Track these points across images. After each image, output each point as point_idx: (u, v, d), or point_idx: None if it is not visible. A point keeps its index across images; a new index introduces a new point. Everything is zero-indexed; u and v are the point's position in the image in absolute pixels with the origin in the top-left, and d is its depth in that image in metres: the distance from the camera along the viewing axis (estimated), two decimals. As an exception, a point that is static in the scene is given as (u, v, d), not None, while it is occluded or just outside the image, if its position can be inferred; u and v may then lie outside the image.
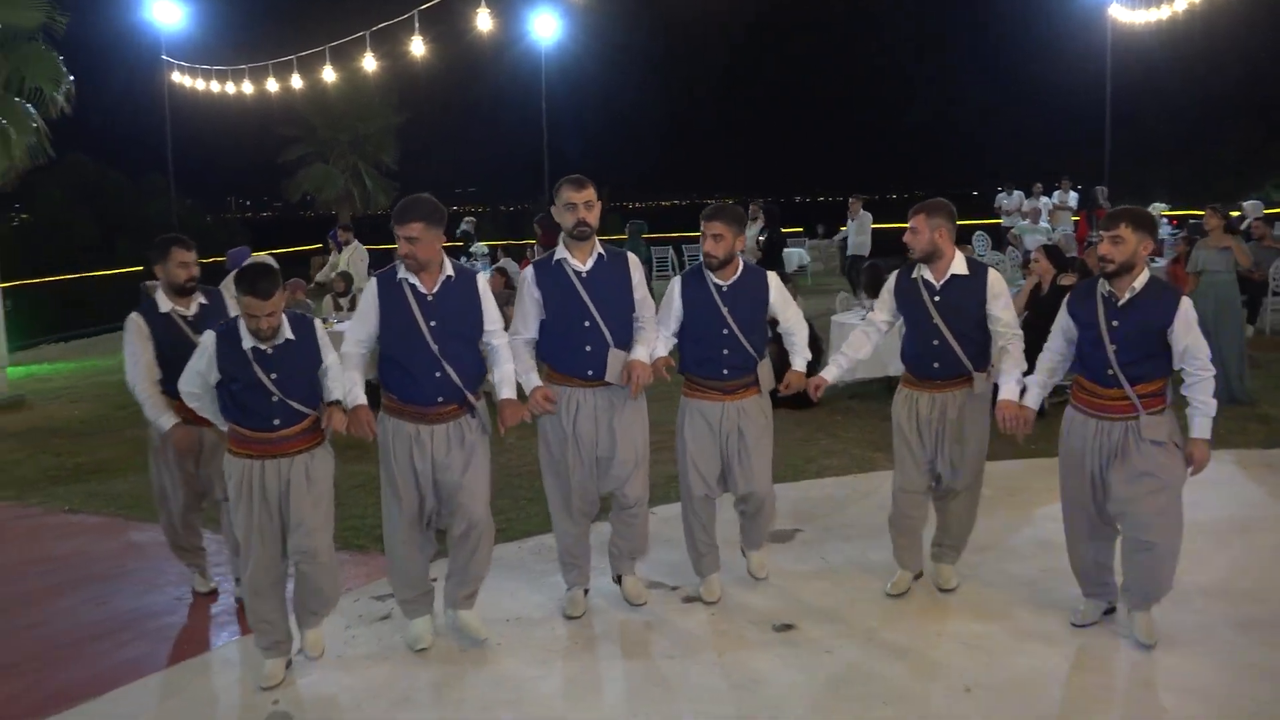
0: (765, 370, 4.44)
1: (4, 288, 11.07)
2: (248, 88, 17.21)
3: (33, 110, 14.27)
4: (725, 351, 4.33)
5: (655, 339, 4.34)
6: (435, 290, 3.99)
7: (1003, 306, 4.28)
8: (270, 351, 3.78)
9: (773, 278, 4.46)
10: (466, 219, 20.51)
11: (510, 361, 4.19)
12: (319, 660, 4.10)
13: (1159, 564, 3.89)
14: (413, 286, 3.97)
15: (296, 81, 16.54)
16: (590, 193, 4.16)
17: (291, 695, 3.86)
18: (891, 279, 4.51)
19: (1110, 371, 3.87)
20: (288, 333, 3.82)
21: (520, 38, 21.98)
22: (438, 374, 3.96)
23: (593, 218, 4.16)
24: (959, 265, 4.30)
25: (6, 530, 6.17)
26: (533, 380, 4.21)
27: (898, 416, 4.47)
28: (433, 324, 3.95)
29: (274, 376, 3.77)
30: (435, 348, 3.95)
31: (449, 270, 4.04)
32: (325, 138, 26.21)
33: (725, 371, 4.36)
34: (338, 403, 3.95)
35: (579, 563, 4.50)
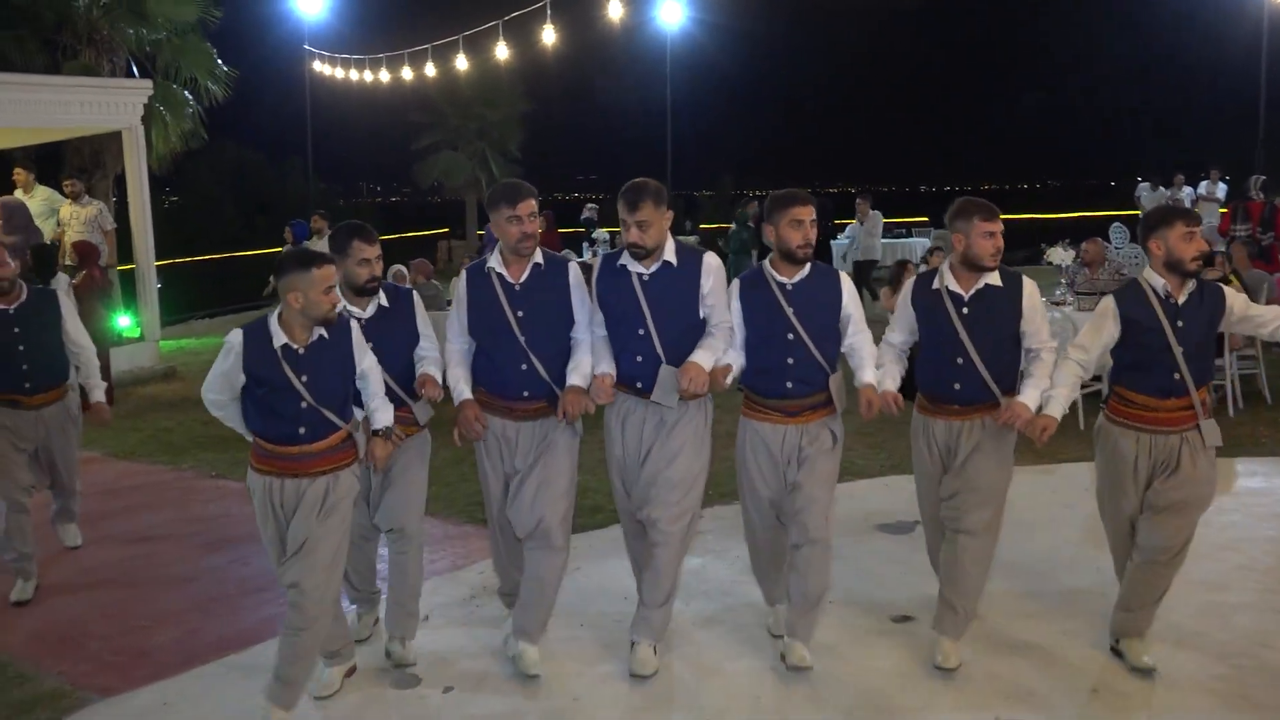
0: (838, 385, 3.84)
1: (157, 266, 11.70)
2: (384, 76, 17.80)
3: (189, 98, 15.07)
4: (790, 361, 3.77)
5: (723, 347, 3.83)
6: (523, 279, 3.82)
7: (1041, 320, 3.84)
8: (302, 351, 3.44)
9: (845, 279, 3.94)
10: (589, 206, 20.70)
11: (589, 355, 3.87)
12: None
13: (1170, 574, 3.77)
14: (500, 276, 3.82)
15: (430, 70, 17.02)
16: (645, 212, 3.73)
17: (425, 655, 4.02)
18: (907, 289, 4.00)
19: (1177, 377, 3.62)
20: (321, 330, 3.49)
21: (645, 24, 22.07)
22: (524, 366, 3.79)
23: (653, 237, 3.74)
24: (992, 275, 3.79)
25: (164, 492, 6.60)
26: (602, 368, 3.84)
27: (916, 446, 4.00)
28: (520, 314, 3.79)
29: (304, 379, 3.43)
30: (522, 339, 3.78)
31: (538, 258, 3.85)
32: (455, 125, 26.85)
33: (790, 385, 3.78)
34: (379, 433, 3.65)
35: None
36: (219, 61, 15.48)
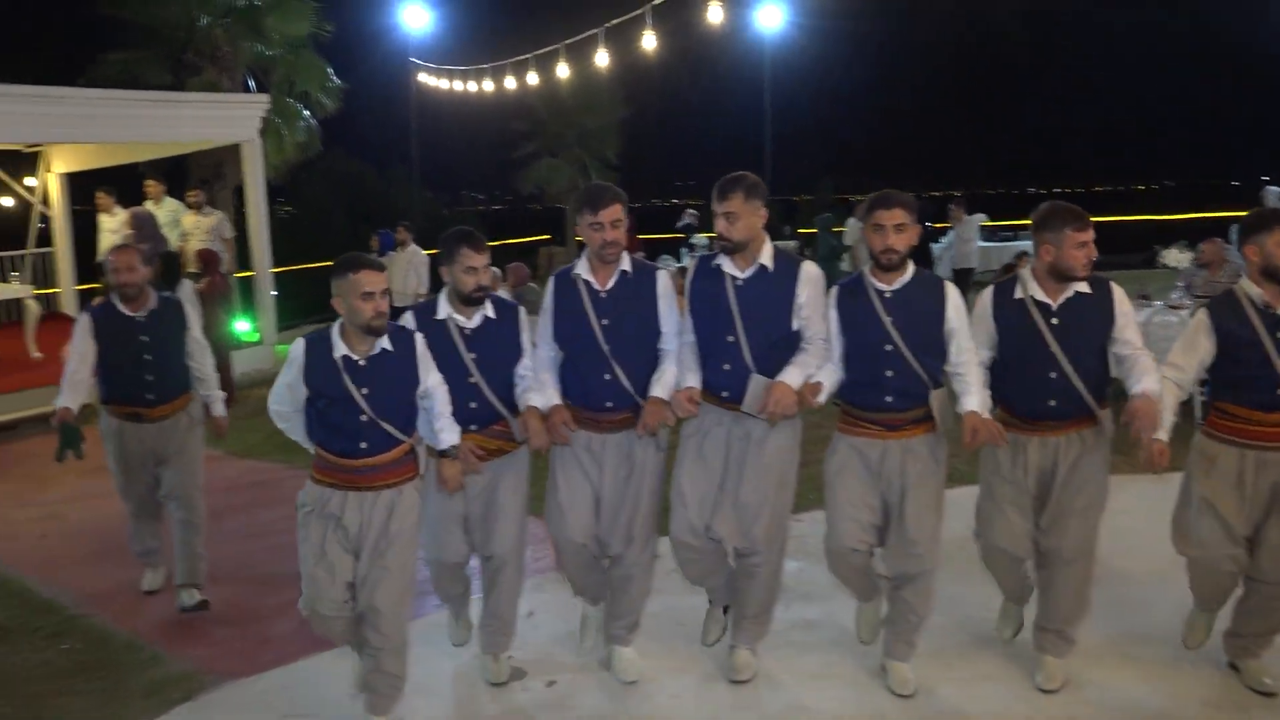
0: (940, 401, 3.61)
1: (273, 273, 12.17)
2: (486, 86, 18.18)
3: (303, 111, 15.65)
4: (889, 373, 3.54)
5: (816, 364, 3.63)
6: (610, 286, 3.70)
7: (1134, 326, 3.61)
8: (363, 363, 3.37)
9: (952, 289, 3.63)
10: (689, 211, 20.77)
11: (674, 365, 3.72)
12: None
13: None
14: (587, 283, 3.71)
15: (531, 79, 17.33)
16: (735, 203, 3.58)
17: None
18: (987, 299, 3.69)
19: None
20: (385, 343, 3.42)
21: (744, 28, 22.05)
22: (607, 376, 3.67)
23: (740, 230, 3.58)
24: (1081, 282, 3.55)
25: (280, 489, 6.87)
26: (688, 381, 3.67)
27: (998, 465, 3.70)
28: (605, 322, 3.67)
29: (365, 391, 3.35)
30: (606, 347, 3.67)
31: (626, 266, 3.73)
32: (554, 133, 27.21)
33: (889, 399, 3.57)
34: (446, 453, 3.53)
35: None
36: (330, 74, 16.08)
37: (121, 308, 4.59)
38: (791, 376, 3.55)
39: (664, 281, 3.78)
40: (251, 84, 15.62)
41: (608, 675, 3.98)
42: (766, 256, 3.65)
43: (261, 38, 15.32)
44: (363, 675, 3.58)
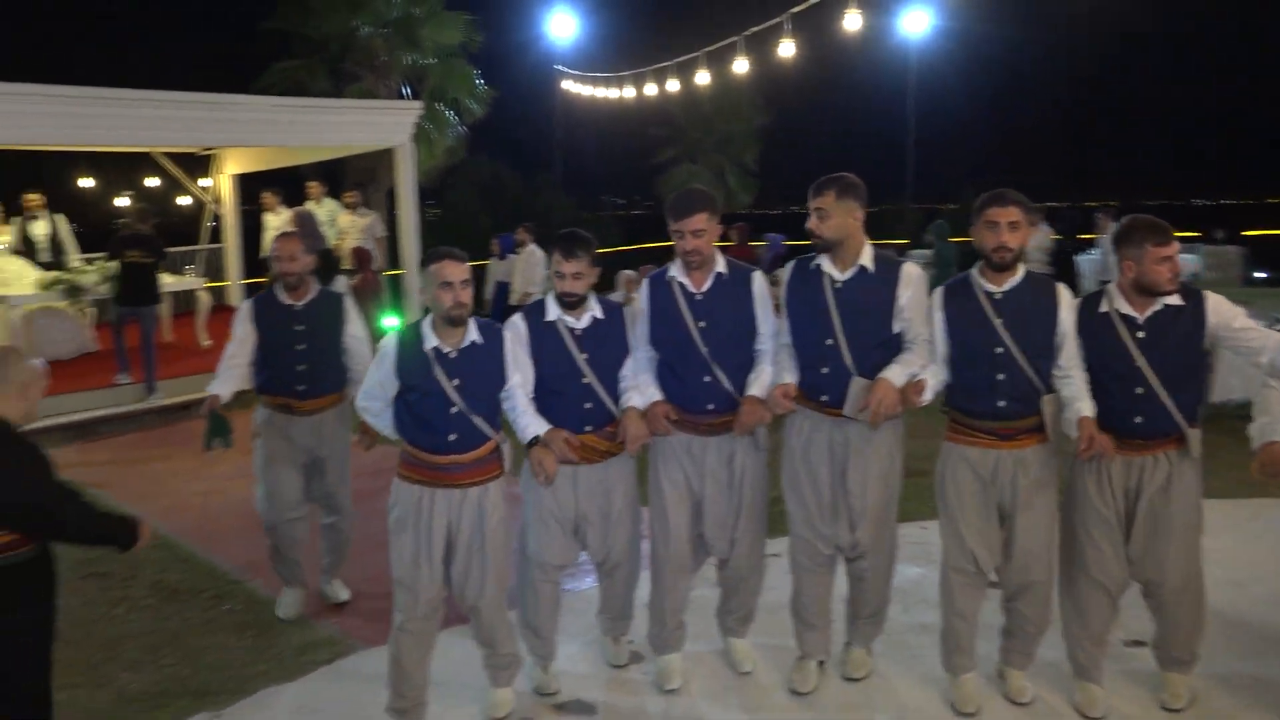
0: (1053, 406, 3.50)
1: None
2: (628, 92, 18.52)
3: (452, 117, 16.31)
4: (1000, 377, 3.49)
5: (919, 364, 3.60)
6: (705, 289, 3.70)
7: (1242, 329, 3.41)
8: (454, 355, 3.46)
9: (1065, 291, 3.57)
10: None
11: (770, 365, 3.73)
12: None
13: None
14: (682, 285, 3.72)
15: (672, 86, 17.56)
16: (826, 199, 3.58)
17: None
18: (1072, 316, 3.58)
19: None
20: (475, 335, 3.51)
21: (887, 35, 21.80)
22: (706, 378, 3.68)
23: (831, 227, 3.57)
24: (1171, 296, 3.43)
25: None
26: (783, 378, 3.67)
27: (1083, 492, 3.57)
28: (702, 324, 3.67)
29: (456, 383, 3.44)
30: (704, 350, 3.67)
31: (721, 268, 3.73)
32: (693, 138, 27.49)
33: (1002, 404, 3.51)
34: (536, 441, 3.56)
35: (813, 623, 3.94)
36: (479, 82, 16.72)
37: (282, 296, 4.54)
38: (894, 374, 3.52)
39: (759, 283, 3.78)
40: (406, 91, 16.40)
41: (721, 666, 4.11)
42: (867, 258, 3.62)
43: (416, 47, 16.10)
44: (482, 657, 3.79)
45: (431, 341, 3.47)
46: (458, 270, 3.43)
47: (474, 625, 3.70)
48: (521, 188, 32.52)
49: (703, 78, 16.85)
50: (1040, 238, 12.53)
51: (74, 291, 10.07)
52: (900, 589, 4.59)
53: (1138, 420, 3.43)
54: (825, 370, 3.62)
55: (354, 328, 4.64)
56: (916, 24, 21.61)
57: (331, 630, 4.55)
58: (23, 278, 10.31)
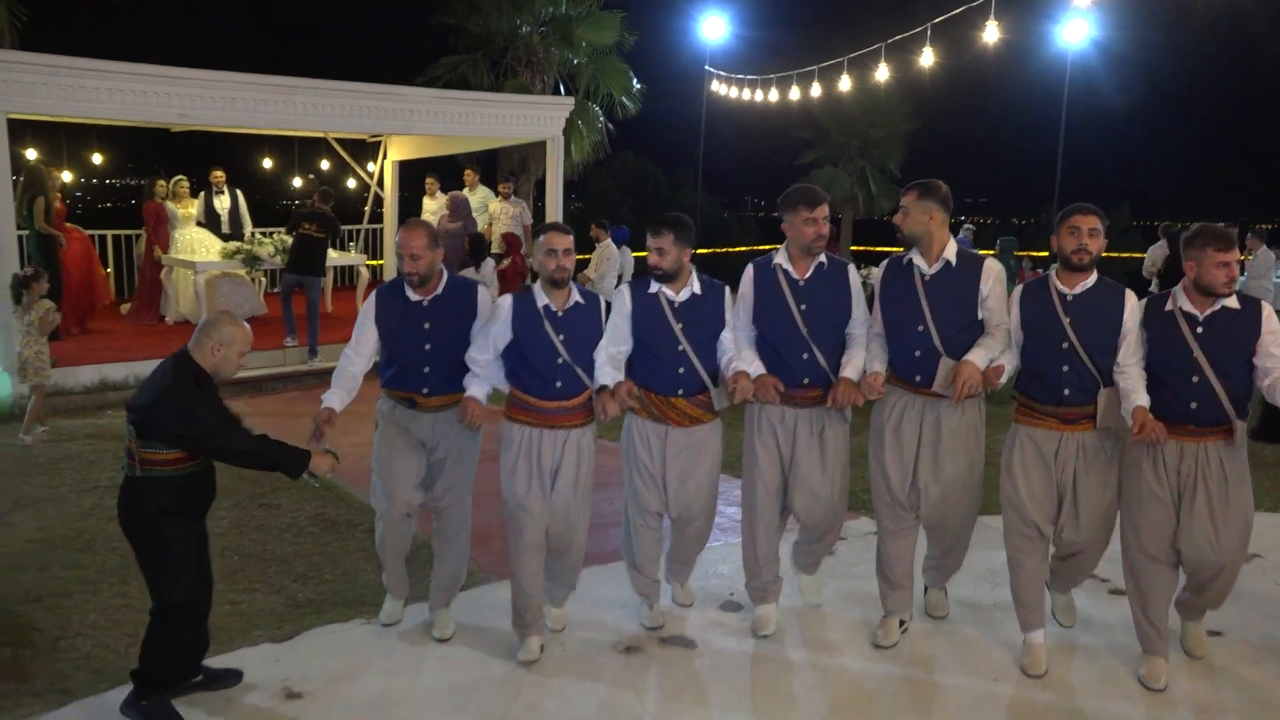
0: (1109, 399, 3.90)
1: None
2: (774, 95, 18.80)
3: (600, 114, 16.93)
4: (1065, 369, 3.89)
5: (999, 348, 4.01)
6: (808, 276, 4.16)
7: (1278, 346, 3.74)
8: (560, 314, 3.98)
9: (1131, 296, 3.94)
10: (966, 227, 20.54)
11: (863, 350, 4.17)
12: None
13: None
14: (786, 272, 4.16)
15: (818, 89, 17.76)
16: (910, 199, 4.11)
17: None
18: (1139, 312, 3.96)
19: None
20: (577, 297, 4.04)
21: (1042, 42, 21.35)
22: (805, 355, 4.13)
23: (912, 224, 4.08)
24: (1229, 299, 3.79)
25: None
26: (874, 366, 4.13)
27: (1141, 474, 3.91)
28: (803, 308, 4.12)
29: (562, 337, 3.96)
30: (804, 330, 4.12)
31: (822, 259, 4.18)
32: (837, 142, 27.49)
33: (1067, 392, 3.90)
34: (605, 389, 3.97)
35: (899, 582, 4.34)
36: (631, 80, 17.29)
37: (409, 292, 4.20)
38: (978, 356, 3.94)
39: (854, 274, 4.28)
40: (560, 87, 17.13)
41: (814, 621, 4.50)
42: (950, 253, 4.06)
43: (572, 46, 16.77)
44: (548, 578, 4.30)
45: (543, 300, 4.00)
46: (562, 240, 3.98)
47: (559, 545, 4.18)
48: (665, 184, 33.24)
49: (848, 83, 17.00)
50: (1265, 259, 12.25)
51: (251, 261, 11.09)
52: (992, 570, 4.88)
53: (1193, 406, 3.78)
54: (918, 354, 4.07)
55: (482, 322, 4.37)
56: (1075, 33, 21.11)
57: (470, 565, 5.10)
58: (208, 246, 11.42)
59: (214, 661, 3.94)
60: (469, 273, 10.26)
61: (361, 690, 3.88)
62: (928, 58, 13.97)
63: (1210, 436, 3.81)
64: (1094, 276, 3.94)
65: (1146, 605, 3.98)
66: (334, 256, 11.64)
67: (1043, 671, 4.04)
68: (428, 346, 4.16)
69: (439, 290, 4.20)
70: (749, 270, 4.30)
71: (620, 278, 11.00)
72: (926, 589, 4.60)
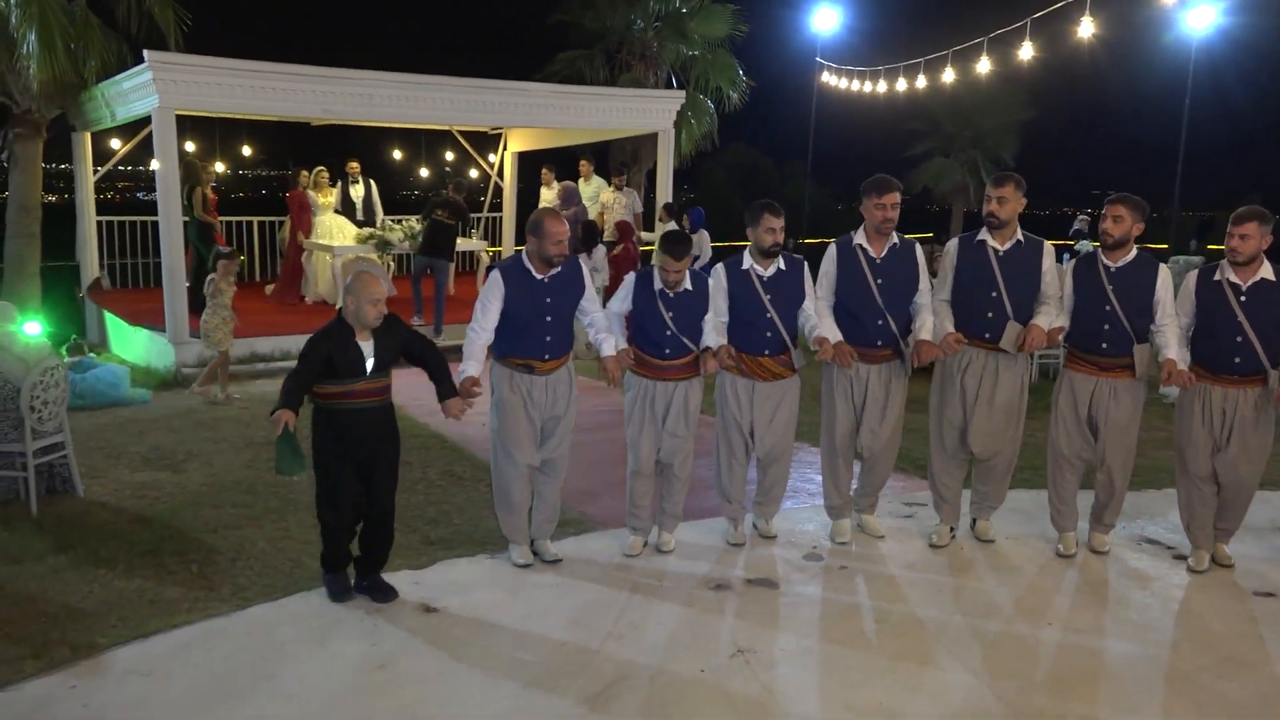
0: (1143, 354, 4.80)
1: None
2: (882, 86, 18.94)
3: (710, 105, 17.38)
4: (1106, 327, 4.82)
5: (1056, 313, 4.91)
6: (883, 254, 5.01)
7: None
8: (671, 295, 4.84)
9: (1164, 270, 4.82)
10: (1080, 218, 20.30)
11: (931, 315, 5.01)
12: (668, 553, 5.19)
13: None
14: (864, 250, 5.01)
15: (931, 79, 17.84)
16: (1007, 189, 4.93)
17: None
18: (1192, 281, 4.88)
19: None
20: (687, 284, 4.87)
21: (1166, 29, 20.87)
22: (880, 322, 4.97)
23: (1006, 211, 4.91)
24: (1266, 270, 4.67)
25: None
26: (946, 327, 4.97)
27: (1191, 413, 4.85)
28: (879, 281, 4.96)
29: (671, 315, 4.83)
30: (880, 300, 4.95)
31: (894, 240, 5.04)
32: (949, 132, 27.31)
33: (1105, 345, 4.83)
34: (707, 349, 4.87)
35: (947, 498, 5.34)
36: (740, 72, 17.70)
37: (532, 271, 4.72)
38: (1042, 320, 4.90)
39: (920, 252, 5.12)
40: (672, 79, 17.65)
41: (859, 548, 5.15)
42: (1020, 235, 5.01)
43: (684, 39, 17.28)
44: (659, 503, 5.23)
45: (659, 284, 4.87)
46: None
47: (667, 478, 5.13)
48: (774, 175, 33.49)
49: (961, 72, 17.05)
50: None
51: (384, 245, 11.98)
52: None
53: (1236, 360, 4.73)
54: (990, 315, 4.97)
55: (590, 292, 4.97)
56: (1201, 19, 20.57)
57: (575, 515, 5.73)
58: (344, 232, 12.35)
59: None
60: (580, 259, 10.90)
61: (486, 607, 4.52)
62: (1033, 49, 13.97)
63: (1249, 384, 4.74)
64: (1134, 252, 4.87)
65: (1194, 514, 5.00)
66: (459, 242, 12.44)
67: (1073, 552, 5.17)
68: (549, 318, 4.73)
69: (558, 269, 4.77)
70: (831, 248, 5.13)
71: (696, 259, 11.52)
72: (975, 521, 5.45)
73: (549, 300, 4.72)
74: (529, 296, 4.72)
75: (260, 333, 10.38)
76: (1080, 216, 20.43)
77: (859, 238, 5.06)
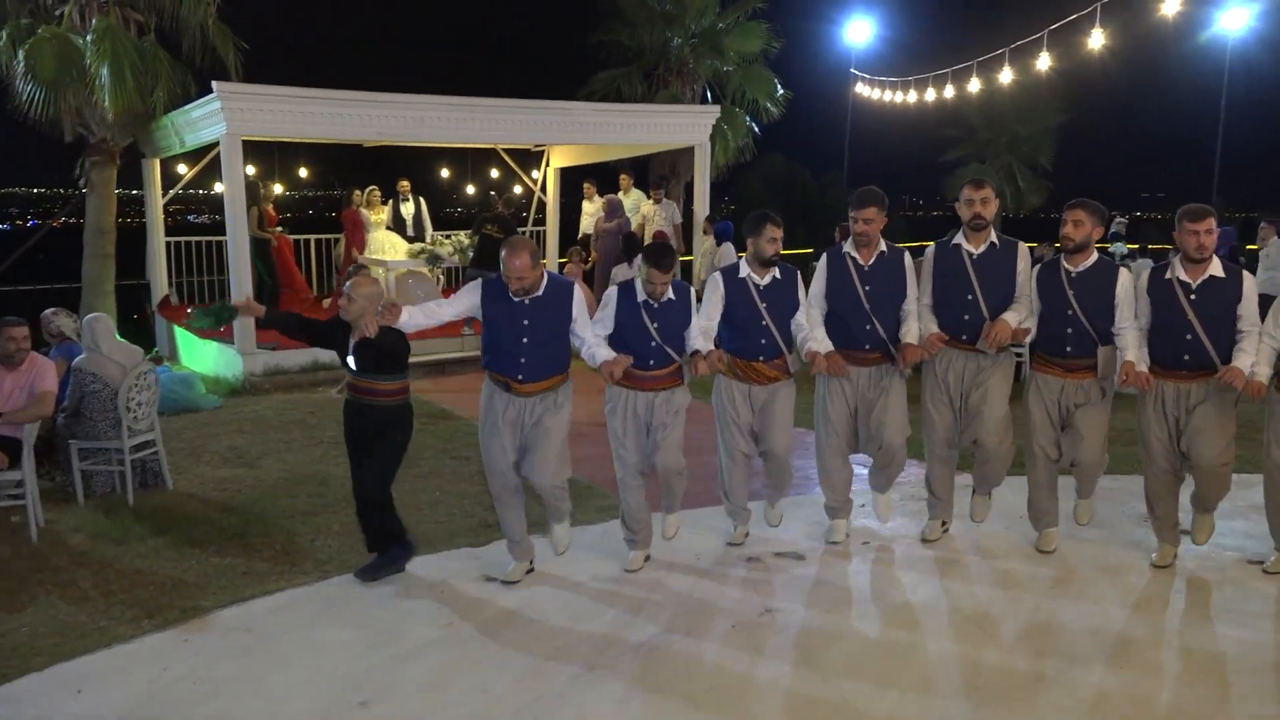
0: (1107, 356, 4.92)
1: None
2: (912, 96, 19.28)
3: (747, 118, 17.83)
4: (1069, 331, 4.93)
5: (1025, 313, 5.02)
6: (871, 262, 5.14)
7: (1253, 309, 4.70)
8: (656, 306, 4.84)
9: (1125, 276, 4.92)
10: (1118, 220, 20.47)
11: (917, 321, 5.15)
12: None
13: None
14: (854, 259, 5.15)
15: (965, 88, 18.16)
16: (988, 191, 5.12)
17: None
18: (1144, 280, 4.92)
19: None
20: (671, 294, 4.86)
21: (1200, 31, 20.99)
22: (868, 326, 5.11)
23: (988, 211, 5.08)
24: (1216, 267, 4.71)
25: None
26: (929, 329, 5.09)
27: (1146, 407, 4.92)
28: (867, 288, 5.11)
29: (655, 325, 4.84)
30: (868, 306, 5.10)
31: (883, 248, 5.16)
32: (984, 139, 27.48)
33: (1069, 349, 4.95)
34: (697, 352, 4.85)
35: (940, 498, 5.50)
36: (777, 86, 18.15)
37: (510, 293, 4.76)
38: (1010, 318, 5.03)
39: (909, 260, 5.25)
40: (708, 95, 18.14)
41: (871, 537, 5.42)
42: (995, 238, 5.16)
43: (720, 55, 17.78)
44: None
45: (642, 295, 4.87)
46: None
47: (663, 477, 5.14)
48: (812, 186, 33.73)
49: (991, 80, 17.35)
50: (1278, 250, 11.96)
51: (434, 260, 12.58)
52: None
53: (1186, 358, 4.80)
54: (967, 317, 5.13)
55: (582, 319, 4.90)
56: (1236, 21, 20.69)
57: (613, 501, 6.19)
58: (396, 247, 12.97)
59: (430, 556, 5.26)
60: (622, 268, 11.40)
61: (539, 577, 5.03)
62: (1054, 57, 14.25)
63: (1199, 379, 4.80)
64: (1094, 257, 4.97)
65: (1158, 504, 5.10)
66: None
67: (1052, 549, 5.29)
68: (525, 340, 4.72)
69: (539, 292, 4.74)
70: (823, 258, 5.32)
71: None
72: (975, 491, 5.55)
73: (526, 323, 4.72)
74: (507, 315, 4.76)
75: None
76: (1118, 220, 20.58)
77: (848, 246, 5.21)
